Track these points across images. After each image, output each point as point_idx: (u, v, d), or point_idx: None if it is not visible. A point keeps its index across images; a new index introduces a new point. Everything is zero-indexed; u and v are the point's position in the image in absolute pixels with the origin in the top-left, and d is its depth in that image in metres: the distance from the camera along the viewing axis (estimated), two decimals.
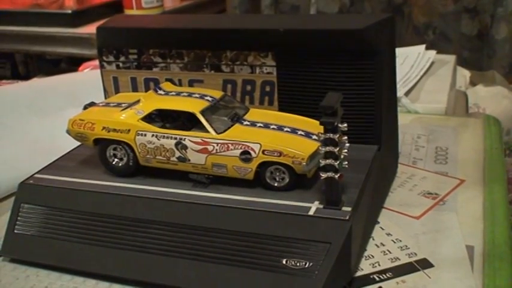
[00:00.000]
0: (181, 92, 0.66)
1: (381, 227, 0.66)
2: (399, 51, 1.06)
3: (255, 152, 0.59)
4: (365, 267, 0.59)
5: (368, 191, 0.61)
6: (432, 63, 1.19)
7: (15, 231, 0.64)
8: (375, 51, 0.65)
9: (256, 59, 0.70)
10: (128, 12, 1.65)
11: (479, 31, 1.83)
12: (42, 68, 1.94)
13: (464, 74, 1.44)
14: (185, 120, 0.65)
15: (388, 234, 0.64)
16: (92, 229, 0.62)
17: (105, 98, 0.78)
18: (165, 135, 0.62)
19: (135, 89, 0.77)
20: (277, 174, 0.60)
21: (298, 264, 0.54)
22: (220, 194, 0.60)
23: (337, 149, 0.54)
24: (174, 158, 0.62)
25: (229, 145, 0.60)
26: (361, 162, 0.63)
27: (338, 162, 0.55)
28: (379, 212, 0.68)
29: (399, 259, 0.60)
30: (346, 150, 0.56)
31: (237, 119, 0.64)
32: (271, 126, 0.63)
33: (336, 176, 0.55)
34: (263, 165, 0.60)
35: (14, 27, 1.67)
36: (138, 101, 0.66)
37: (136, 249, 0.59)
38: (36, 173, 0.68)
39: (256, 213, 0.57)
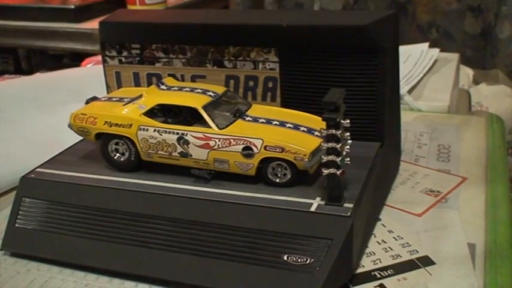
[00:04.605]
0: (184, 87, 0.66)
1: (383, 224, 0.66)
2: (403, 49, 1.05)
3: (257, 148, 0.59)
4: (366, 264, 0.59)
5: (370, 187, 0.61)
6: (435, 61, 1.19)
7: (17, 225, 0.64)
8: (378, 48, 0.64)
9: (259, 55, 0.69)
10: (130, 7, 1.65)
11: (482, 30, 1.83)
12: (45, 63, 1.94)
13: (467, 72, 1.44)
14: (187, 116, 0.65)
15: (390, 232, 0.64)
16: (93, 223, 0.62)
17: (108, 92, 0.78)
18: (167, 130, 0.62)
19: (137, 84, 0.76)
20: (279, 170, 0.60)
21: (299, 260, 0.54)
22: (221, 190, 0.60)
23: (340, 145, 0.54)
24: (176, 153, 0.62)
25: (231, 140, 0.60)
26: (363, 159, 0.63)
27: (340, 158, 0.55)
28: (380, 209, 0.68)
29: (400, 256, 0.60)
30: (348, 147, 0.56)
31: (239, 114, 0.64)
32: (274, 122, 0.63)
33: (338, 173, 0.55)
34: (265, 161, 0.60)
35: (17, 22, 1.67)
36: (140, 96, 0.66)
37: (137, 244, 0.59)
38: (38, 167, 0.68)
39: (258, 209, 0.57)
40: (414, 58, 1.18)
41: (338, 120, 0.54)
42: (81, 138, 0.70)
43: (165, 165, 0.64)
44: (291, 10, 2.01)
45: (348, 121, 0.55)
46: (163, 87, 0.67)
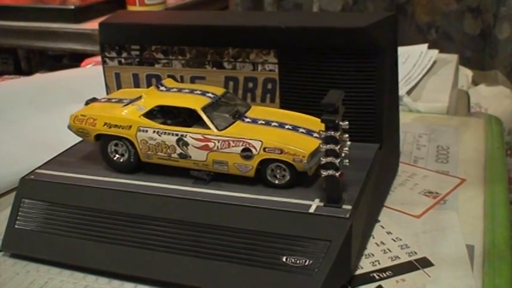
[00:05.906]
0: (183, 89, 0.66)
1: (381, 226, 0.66)
2: (402, 50, 1.05)
3: (256, 149, 0.59)
4: (365, 266, 0.59)
5: (369, 189, 0.61)
6: (434, 62, 1.19)
7: (16, 226, 0.64)
8: (376, 50, 0.65)
9: (258, 56, 0.70)
10: (130, 8, 1.65)
11: (481, 31, 1.83)
12: (44, 64, 1.94)
13: (466, 73, 1.44)
14: (186, 117, 0.65)
15: (389, 233, 0.64)
16: (93, 225, 0.62)
17: (107, 93, 0.78)
18: (167, 131, 0.62)
19: (137, 85, 0.77)
20: (278, 171, 0.60)
21: (298, 261, 0.54)
22: (220, 191, 0.60)
23: (338, 146, 0.54)
24: (175, 155, 0.62)
25: (230, 142, 0.60)
26: (362, 160, 0.63)
27: (339, 160, 0.55)
28: (379, 210, 0.68)
29: (399, 258, 0.60)
30: (347, 148, 0.56)
31: (238, 116, 0.64)
32: (273, 124, 0.63)
33: (337, 174, 0.55)
34: (264, 163, 0.60)
35: (16, 22, 1.67)
36: (139, 97, 0.66)
37: (136, 246, 0.59)
38: (37, 168, 0.68)
39: (257, 211, 0.57)
40: (413, 59, 1.19)
41: (337, 122, 0.54)
42: (80, 139, 0.70)
43: (164, 166, 0.64)
44: (290, 11, 2.01)
45: (347, 123, 0.55)
46: (162, 88, 0.67)
